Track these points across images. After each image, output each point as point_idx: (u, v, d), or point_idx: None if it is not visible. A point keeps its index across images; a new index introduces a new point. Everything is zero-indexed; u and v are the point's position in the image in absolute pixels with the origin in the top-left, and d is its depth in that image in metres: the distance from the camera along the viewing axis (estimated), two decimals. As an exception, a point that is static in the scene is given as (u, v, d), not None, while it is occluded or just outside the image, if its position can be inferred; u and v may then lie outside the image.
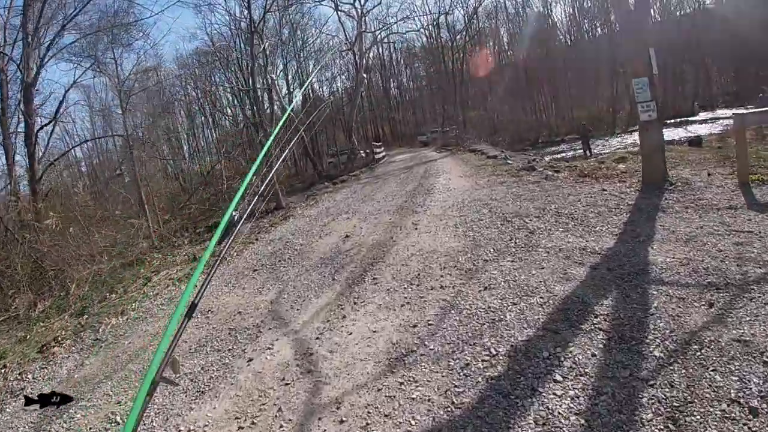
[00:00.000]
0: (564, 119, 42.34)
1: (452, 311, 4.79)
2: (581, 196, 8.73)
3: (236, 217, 2.34)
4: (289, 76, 48.26)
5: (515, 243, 6.49)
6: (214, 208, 20.49)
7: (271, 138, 3.02)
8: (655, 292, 4.50)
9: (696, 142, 18.62)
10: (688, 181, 8.70)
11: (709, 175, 9.28)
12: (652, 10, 43.79)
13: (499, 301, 4.79)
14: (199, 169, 42.68)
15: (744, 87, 40.80)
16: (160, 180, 35.25)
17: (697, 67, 42.22)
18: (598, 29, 48.01)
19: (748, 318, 3.82)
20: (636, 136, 32.14)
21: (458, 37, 42.45)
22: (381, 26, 36.49)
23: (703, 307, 4.18)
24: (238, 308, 6.61)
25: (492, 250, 6.37)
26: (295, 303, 6.27)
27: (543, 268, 5.42)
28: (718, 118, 33.95)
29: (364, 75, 37.30)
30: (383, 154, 31.98)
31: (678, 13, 44.31)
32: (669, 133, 30.07)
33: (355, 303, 5.62)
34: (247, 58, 38.35)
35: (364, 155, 29.74)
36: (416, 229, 8.49)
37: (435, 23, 41.54)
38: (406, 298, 5.40)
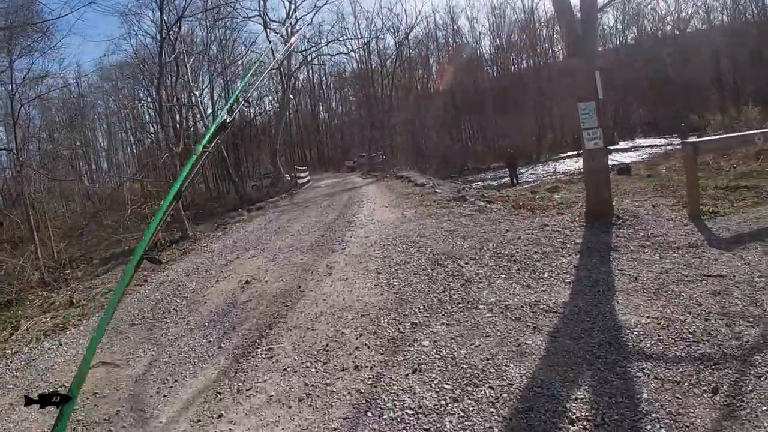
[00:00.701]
0: (490, 148, 42.58)
1: (368, 413, 3.36)
2: (521, 232, 7.70)
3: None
4: (215, 95, 46.29)
5: (450, 297, 5.19)
6: (117, 235, 18.16)
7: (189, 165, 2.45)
8: (640, 374, 3.36)
9: (625, 170, 18.36)
10: (635, 214, 7.90)
11: (653, 206, 8.58)
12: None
13: (434, 394, 3.41)
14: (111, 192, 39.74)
15: (661, 118, 42.84)
16: (60, 201, 32.31)
17: (617, 99, 43.84)
18: (524, 62, 49.28)
19: (765, 407, 2.83)
20: (562, 164, 32.67)
21: (388, 61, 42.00)
22: (310, 46, 35.22)
23: (706, 394, 3.10)
24: (96, 385, 4.88)
25: (422, 307, 5.02)
26: (165, 383, 4.63)
27: (488, 336, 4.13)
28: (639, 147, 35.04)
29: (291, 96, 35.91)
30: (308, 178, 30.47)
31: (599, 48, 45.91)
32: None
33: (238, 391, 4.05)
34: (172, 73, 36.57)
35: (288, 179, 28.15)
36: (330, 274, 7.05)
37: (365, 47, 40.85)
38: (307, 385, 3.90)
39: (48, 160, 29.68)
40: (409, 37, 43.63)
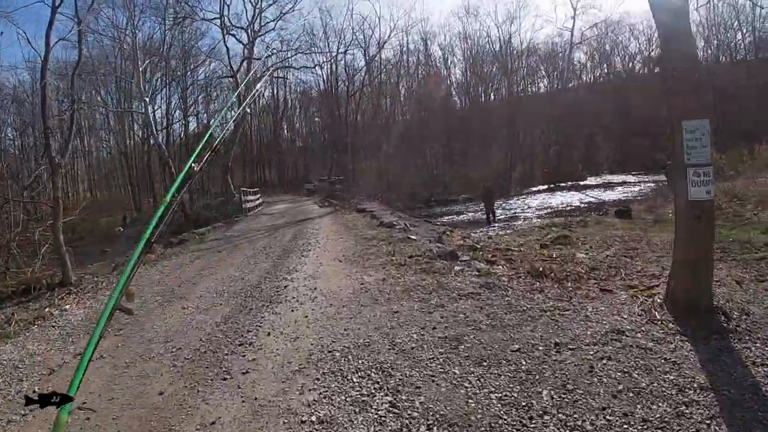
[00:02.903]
0: (458, 178, 39.09)
1: None
2: (585, 351, 4.22)
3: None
4: (171, 102, 41.76)
5: None
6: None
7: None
8: None
9: (625, 213, 14.87)
10: (744, 309, 4.09)
11: (738, 283, 5.60)
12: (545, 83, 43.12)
13: None
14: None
15: (626, 154, 40.79)
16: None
17: (585, 136, 41.57)
18: (492, 95, 46.54)
19: None
20: (535, 198, 29.24)
21: (356, 78, 38.24)
22: (271, 53, 31.05)
23: None
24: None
25: None
26: None
27: None
28: (611, 184, 32.19)
29: (248, 110, 31.55)
30: (258, 202, 26.04)
31: (569, 84, 44.09)
32: (572, 198, 27.33)
33: None
34: (124, 77, 32.06)
35: (238, 200, 23.69)
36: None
37: (333, 61, 36.95)
38: None
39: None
40: (380, 55, 40.03)
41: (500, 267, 7.43)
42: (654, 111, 38.56)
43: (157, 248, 13.13)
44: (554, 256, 8.10)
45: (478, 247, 9.27)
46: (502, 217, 22.08)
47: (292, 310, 5.81)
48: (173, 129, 43.08)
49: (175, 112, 42.68)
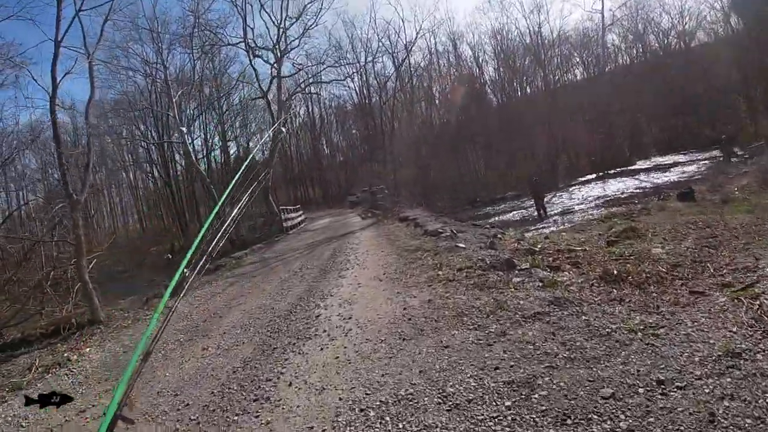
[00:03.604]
0: (501, 176, 37.45)
1: None
2: (692, 383, 3.11)
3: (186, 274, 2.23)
4: (209, 129, 42.06)
5: None
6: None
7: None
8: None
9: (688, 195, 13.26)
10: None
11: None
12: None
13: None
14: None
15: (673, 134, 38.25)
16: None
17: (628, 118, 39.16)
18: (527, 88, 44.55)
19: None
20: (585, 189, 27.37)
21: (387, 85, 37.31)
22: (298, 70, 30.52)
23: None
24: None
25: None
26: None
27: None
28: (661, 166, 29.88)
29: (282, 129, 31.03)
30: (300, 218, 25.35)
31: (606, 69, 41.68)
32: (625, 184, 25.31)
33: None
34: (160, 109, 32.62)
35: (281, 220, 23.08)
36: None
37: (362, 70, 36.13)
38: None
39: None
40: (410, 60, 38.93)
41: (566, 273, 6.22)
42: (695, 87, 36.10)
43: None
44: (626, 254, 6.82)
45: (537, 249, 8.04)
46: (554, 211, 20.48)
47: (321, 349, 4.80)
48: (215, 155, 43.32)
49: (213, 138, 42.90)
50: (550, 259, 7.37)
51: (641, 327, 4.06)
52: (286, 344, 5.22)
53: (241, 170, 3.22)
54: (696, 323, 4.08)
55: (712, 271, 5.60)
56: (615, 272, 5.78)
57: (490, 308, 4.88)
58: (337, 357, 4.46)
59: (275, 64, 27.31)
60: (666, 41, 42.18)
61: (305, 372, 4.31)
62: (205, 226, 2.34)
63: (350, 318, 5.55)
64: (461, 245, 8.63)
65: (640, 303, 4.82)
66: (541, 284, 5.65)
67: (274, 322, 6.23)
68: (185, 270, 2.22)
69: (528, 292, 5.29)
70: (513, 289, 5.51)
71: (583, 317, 4.38)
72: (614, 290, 5.33)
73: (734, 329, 3.86)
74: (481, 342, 4.12)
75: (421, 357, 4.05)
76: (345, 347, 4.66)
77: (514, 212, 24.19)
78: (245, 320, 6.71)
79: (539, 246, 8.40)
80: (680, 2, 38.94)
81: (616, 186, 25.40)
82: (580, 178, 33.43)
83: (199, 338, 6.26)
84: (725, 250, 6.38)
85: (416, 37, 43.03)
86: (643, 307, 4.66)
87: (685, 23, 40.30)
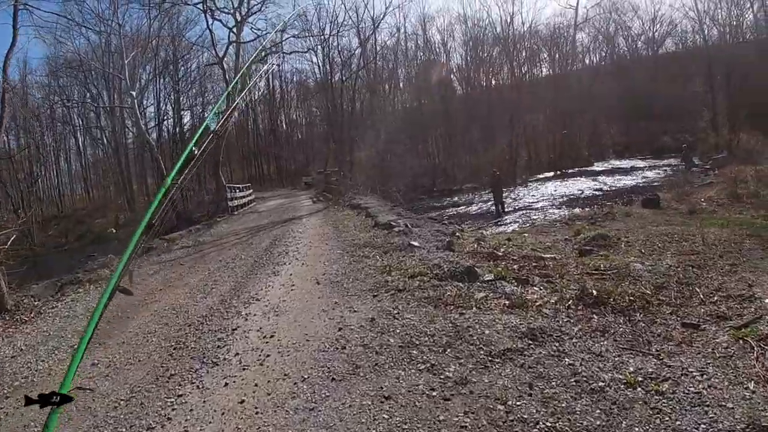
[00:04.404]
0: (461, 166, 36.69)
1: None
2: None
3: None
4: (162, 96, 39.41)
5: None
6: None
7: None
8: None
9: (653, 202, 12.71)
10: None
11: None
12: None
13: None
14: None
15: (633, 139, 38.62)
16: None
17: (589, 120, 39.21)
18: (492, 79, 43.81)
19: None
20: (544, 187, 26.91)
21: (351, 62, 35.74)
22: (258, 37, 28.62)
23: None
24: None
25: None
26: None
27: None
28: (618, 169, 29.72)
29: (241, 100, 29.12)
30: (250, 198, 23.71)
31: (573, 67, 41.58)
32: (585, 185, 24.88)
33: None
34: (112, 71, 30.01)
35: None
36: None
37: (325, 43, 34.31)
38: None
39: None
40: (376, 37, 37.41)
41: (536, 288, 5.25)
42: (658, 93, 36.36)
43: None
44: (602, 268, 5.92)
45: (500, 254, 7.05)
46: (512, 208, 19.77)
47: (227, 384, 3.61)
48: (167, 124, 40.70)
49: (166, 106, 40.25)
50: (516, 267, 6.40)
51: (640, 379, 3.10)
52: (187, 370, 4.01)
53: (195, 138, 2.52)
54: (704, 375, 3.18)
55: (701, 296, 4.83)
56: (594, 292, 4.85)
57: (447, 337, 3.80)
58: (243, 401, 3.27)
59: (233, 29, 25.41)
60: (635, 46, 42.43)
61: (198, 421, 3.12)
62: (155, 203, 2.18)
63: (272, 337, 4.36)
64: (415, 243, 7.55)
65: (628, 337, 3.93)
66: (508, 302, 4.65)
67: (183, 333, 4.98)
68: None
69: (494, 315, 4.26)
70: (475, 309, 4.47)
71: (566, 359, 3.37)
72: (595, 316, 4.42)
73: (751, 386, 3.00)
74: (434, 394, 3.03)
75: (351, 413, 2.93)
76: (256, 385, 3.49)
77: (472, 205, 23.39)
78: (152, 326, 5.42)
79: (502, 250, 7.43)
80: (653, 9, 39.18)
81: (575, 186, 24.98)
82: (539, 175, 33.06)
83: (91, 350, 4.98)
84: (712, 271, 5.64)
85: (385, 13, 41.62)
86: (633, 344, 3.76)
87: (656, 30, 40.59)
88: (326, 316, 4.68)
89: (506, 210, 18.78)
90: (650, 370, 3.25)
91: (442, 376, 3.22)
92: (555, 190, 24.33)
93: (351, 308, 4.81)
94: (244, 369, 3.82)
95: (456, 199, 27.26)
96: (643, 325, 4.23)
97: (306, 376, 3.47)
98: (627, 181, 24.03)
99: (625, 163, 32.98)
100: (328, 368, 3.54)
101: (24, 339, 5.84)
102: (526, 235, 9.81)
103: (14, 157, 35.87)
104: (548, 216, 14.87)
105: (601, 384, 3.06)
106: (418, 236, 8.43)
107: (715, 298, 4.76)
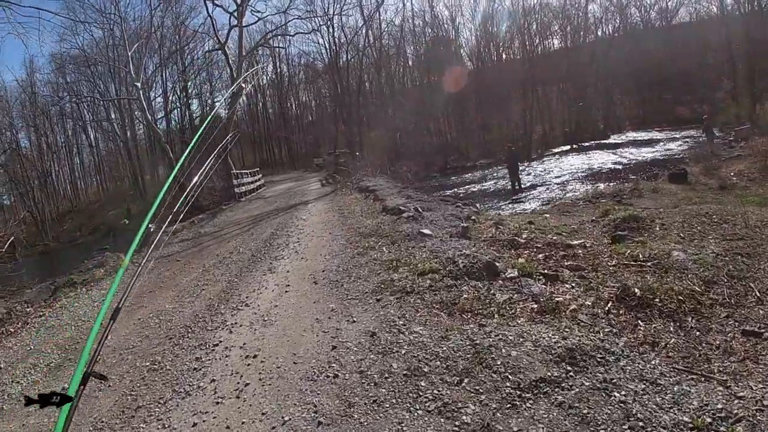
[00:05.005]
0: (473, 142, 35.69)
1: None
2: None
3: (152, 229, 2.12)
4: (169, 86, 38.89)
5: None
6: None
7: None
8: None
9: (680, 176, 11.88)
10: None
11: None
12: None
13: None
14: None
15: (648, 110, 37.43)
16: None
17: (603, 93, 37.87)
18: (503, 54, 42.37)
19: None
20: (561, 161, 25.82)
21: (357, 40, 34.67)
22: (259, 20, 27.76)
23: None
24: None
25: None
26: None
27: None
28: (638, 141, 28.64)
29: (243, 84, 28.24)
30: (258, 184, 23.04)
31: (585, 39, 40.09)
32: (600, 159, 23.84)
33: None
34: (118, 65, 29.62)
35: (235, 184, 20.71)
36: None
37: (329, 24, 33.23)
38: None
39: None
40: (381, 14, 36.20)
41: (568, 286, 4.47)
42: (673, 65, 35.00)
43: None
44: (640, 258, 5.10)
45: (522, 241, 6.26)
46: (529, 184, 18.86)
47: (194, 425, 2.91)
48: (175, 114, 40.27)
49: (173, 96, 39.76)
50: (541, 257, 5.61)
51: (708, 421, 2.36)
52: (157, 400, 3.34)
53: (201, 128, 2.94)
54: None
55: (758, 293, 4.09)
56: (636, 291, 4.08)
57: (464, 361, 3.04)
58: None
59: (234, 13, 24.46)
60: (648, 17, 40.73)
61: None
62: (164, 188, 2.20)
63: (255, 357, 3.64)
64: (426, 231, 6.76)
65: (683, 351, 3.21)
66: (536, 306, 3.89)
67: (161, 350, 4.30)
68: (150, 225, 1.98)
69: (521, 326, 3.48)
70: (497, 317, 3.71)
71: (615, 394, 2.60)
72: (641, 322, 3.68)
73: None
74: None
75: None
76: (228, 428, 2.80)
77: (487, 183, 22.52)
78: (132, 339, 4.76)
79: (524, 236, 6.63)
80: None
81: (594, 159, 23.93)
82: (554, 149, 32.02)
83: (64, 369, 4.36)
84: (763, 261, 4.82)
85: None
86: (690, 362, 3.04)
87: (669, 0, 38.91)
88: (320, 329, 3.95)
89: (523, 186, 17.90)
90: (718, 405, 2.50)
91: (457, 422, 2.47)
92: (573, 165, 23.34)
93: (349, 317, 4.06)
94: (218, 403, 3.11)
95: (470, 176, 26.40)
96: (698, 333, 3.53)
97: (287, 418, 2.74)
98: (647, 153, 22.97)
99: (643, 135, 31.81)
100: (315, 406, 2.80)
101: (5, 355, 5.25)
102: (548, 216, 8.97)
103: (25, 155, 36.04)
104: (569, 193, 14.01)
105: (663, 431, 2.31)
106: (429, 222, 7.64)
107: (774, 296, 4.06)
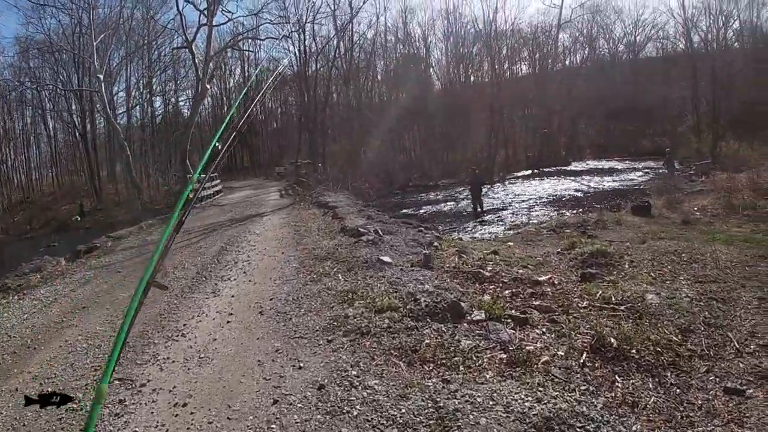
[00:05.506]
0: (437, 161, 35.68)
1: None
2: None
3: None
4: (133, 81, 37.45)
5: None
6: None
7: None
8: None
9: (644, 208, 11.86)
10: None
11: None
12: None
13: None
14: None
15: (610, 140, 38.38)
16: None
17: (568, 120, 38.81)
18: (471, 76, 42.86)
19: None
20: (524, 184, 25.96)
21: (327, 50, 34.30)
22: (229, 21, 27.09)
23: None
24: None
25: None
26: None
27: None
28: (596, 170, 29.15)
29: (208, 86, 27.22)
30: (216, 189, 22.15)
31: (554, 67, 41.13)
32: (561, 186, 24.03)
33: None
34: (85, 55, 28.28)
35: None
36: None
37: (300, 31, 32.81)
38: None
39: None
40: (354, 27, 35.95)
41: (539, 331, 4.11)
42: (638, 97, 36.11)
43: (56, 263, 9.47)
44: (612, 300, 4.84)
45: (487, 274, 5.90)
46: (491, 207, 18.72)
47: None
48: (137, 111, 38.89)
49: (135, 92, 38.30)
50: (507, 293, 5.28)
51: None
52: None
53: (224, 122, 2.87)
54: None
55: (736, 345, 3.94)
56: (613, 342, 3.75)
57: (426, 429, 2.62)
58: None
59: (205, 11, 23.74)
60: (616, 49, 42.11)
61: None
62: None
63: (184, 406, 3.09)
64: (386, 259, 6.32)
65: (665, 413, 2.95)
66: (505, 357, 3.50)
67: (84, 383, 3.75)
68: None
69: (489, 384, 3.07)
70: (464, 370, 3.28)
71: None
72: (618, 378, 3.40)
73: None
74: None
75: None
76: None
77: (449, 203, 22.30)
78: (53, 368, 4.13)
79: (489, 267, 6.28)
80: (637, 13, 38.93)
81: (556, 185, 24.14)
82: (517, 173, 32.30)
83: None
84: (738, 308, 4.71)
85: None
86: (672, 426, 2.80)
87: (638, 34, 40.33)
88: (261, 374, 3.42)
89: (485, 209, 17.73)
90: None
91: None
92: (535, 191, 23.42)
93: (296, 362, 3.55)
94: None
95: (432, 195, 26.17)
96: (678, 390, 3.31)
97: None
98: (609, 182, 23.31)
99: (603, 164, 32.48)
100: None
101: None
102: (512, 245, 8.70)
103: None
104: (532, 219, 13.85)
105: None
106: (390, 247, 7.21)
107: (752, 347, 3.93)
